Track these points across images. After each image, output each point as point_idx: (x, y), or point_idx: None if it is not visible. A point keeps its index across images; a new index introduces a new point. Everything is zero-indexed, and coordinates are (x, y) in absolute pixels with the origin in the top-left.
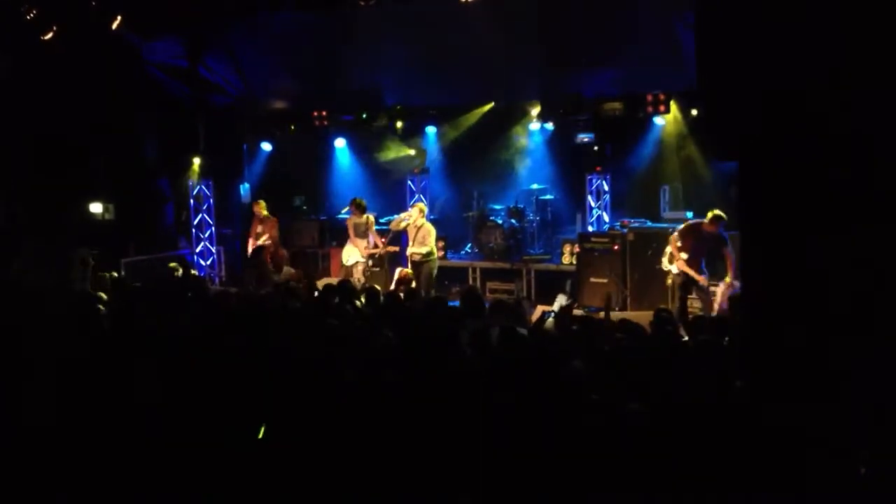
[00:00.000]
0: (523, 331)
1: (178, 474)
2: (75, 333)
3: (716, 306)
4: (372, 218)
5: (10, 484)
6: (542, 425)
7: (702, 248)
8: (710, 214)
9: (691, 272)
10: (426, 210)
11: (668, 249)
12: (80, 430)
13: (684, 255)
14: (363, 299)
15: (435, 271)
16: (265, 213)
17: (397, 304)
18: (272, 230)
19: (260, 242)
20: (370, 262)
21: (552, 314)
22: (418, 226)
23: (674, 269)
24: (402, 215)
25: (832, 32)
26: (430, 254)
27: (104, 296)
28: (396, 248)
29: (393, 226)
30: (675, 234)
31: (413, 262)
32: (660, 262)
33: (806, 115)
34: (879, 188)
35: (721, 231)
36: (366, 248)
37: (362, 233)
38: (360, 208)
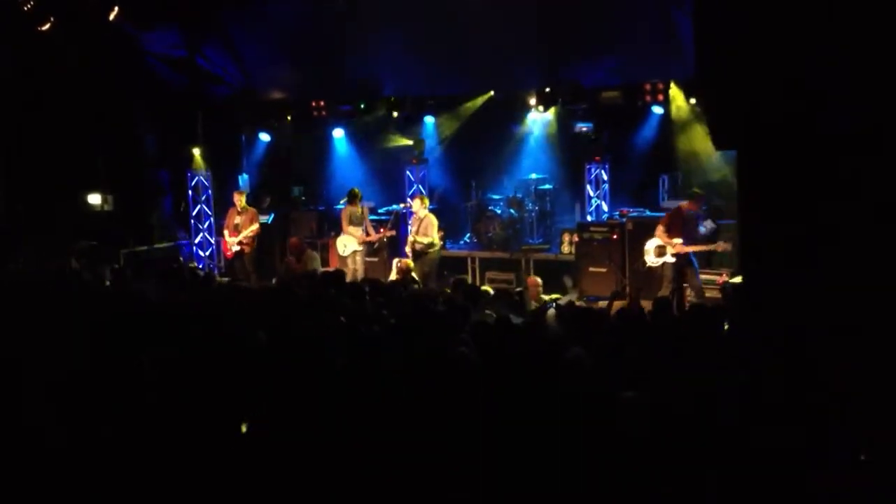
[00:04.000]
0: (520, 320)
1: (173, 467)
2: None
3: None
4: (366, 208)
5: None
6: (540, 413)
7: (691, 227)
8: (690, 195)
9: (700, 247)
10: (427, 201)
11: (654, 243)
12: (80, 428)
13: (678, 241)
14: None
15: (436, 262)
16: (244, 204)
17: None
18: (253, 222)
19: (241, 237)
20: (366, 252)
21: (553, 304)
22: (421, 217)
23: (668, 258)
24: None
25: (831, 20)
26: (432, 244)
27: None
28: (393, 232)
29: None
30: (661, 227)
31: (415, 253)
32: (644, 264)
33: (805, 102)
34: (878, 177)
35: (701, 209)
36: (361, 236)
37: (358, 221)
38: (356, 198)
